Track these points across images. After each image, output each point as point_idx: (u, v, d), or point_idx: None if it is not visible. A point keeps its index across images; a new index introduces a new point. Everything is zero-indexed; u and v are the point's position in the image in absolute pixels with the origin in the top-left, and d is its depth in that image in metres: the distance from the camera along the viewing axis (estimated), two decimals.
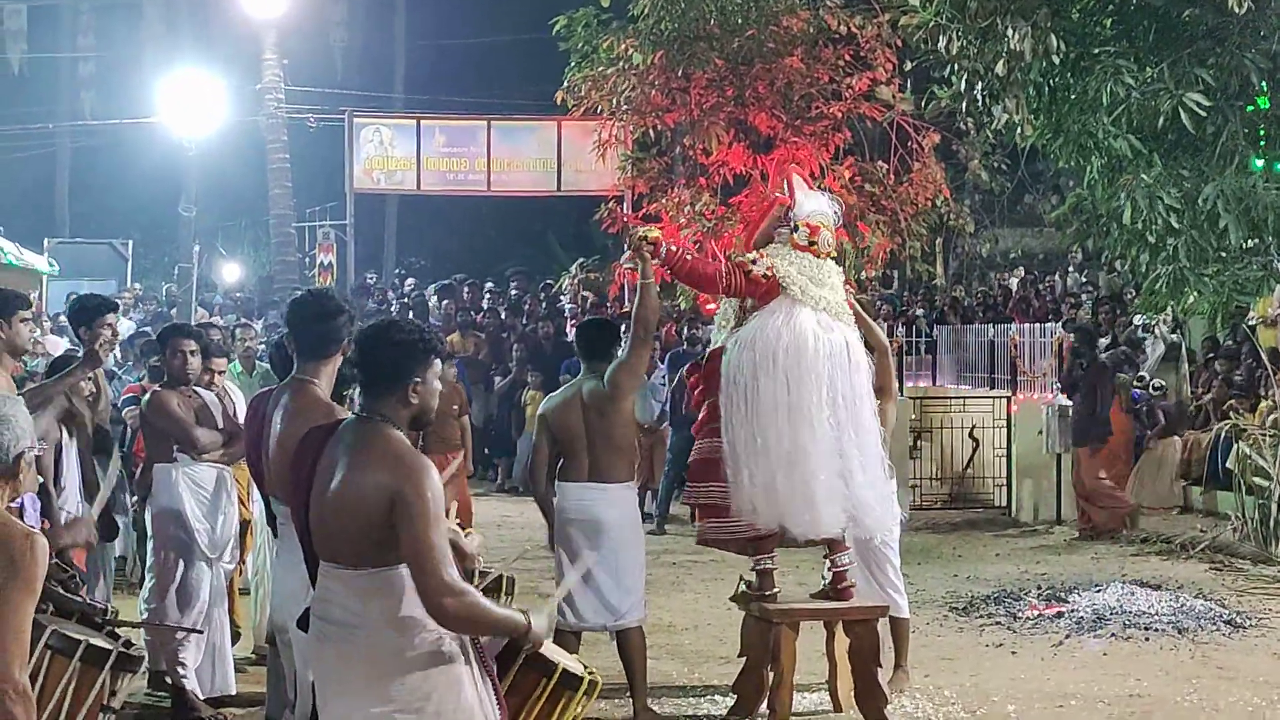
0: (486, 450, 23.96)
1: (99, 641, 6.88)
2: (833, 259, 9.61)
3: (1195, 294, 16.46)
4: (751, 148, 22.70)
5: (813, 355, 9.08)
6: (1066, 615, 13.06)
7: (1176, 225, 15.46)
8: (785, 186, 9.86)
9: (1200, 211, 15.41)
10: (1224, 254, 16.00)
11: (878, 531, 9.67)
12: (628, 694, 9.71)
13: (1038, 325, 21.46)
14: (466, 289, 30.16)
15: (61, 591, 7.18)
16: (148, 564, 10.40)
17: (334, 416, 6.30)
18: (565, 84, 24.19)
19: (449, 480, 6.88)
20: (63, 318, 21.78)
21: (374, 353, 5.68)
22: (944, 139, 23.43)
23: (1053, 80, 16.08)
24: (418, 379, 5.62)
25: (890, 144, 22.72)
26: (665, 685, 10.77)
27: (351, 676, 5.50)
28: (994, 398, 20.10)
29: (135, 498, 11.16)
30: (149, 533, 10.37)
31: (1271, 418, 17.01)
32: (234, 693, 10.24)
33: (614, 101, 23.33)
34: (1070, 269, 30.78)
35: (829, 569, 9.52)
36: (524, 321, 27.02)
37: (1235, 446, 17.25)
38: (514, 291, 30.58)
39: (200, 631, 9.82)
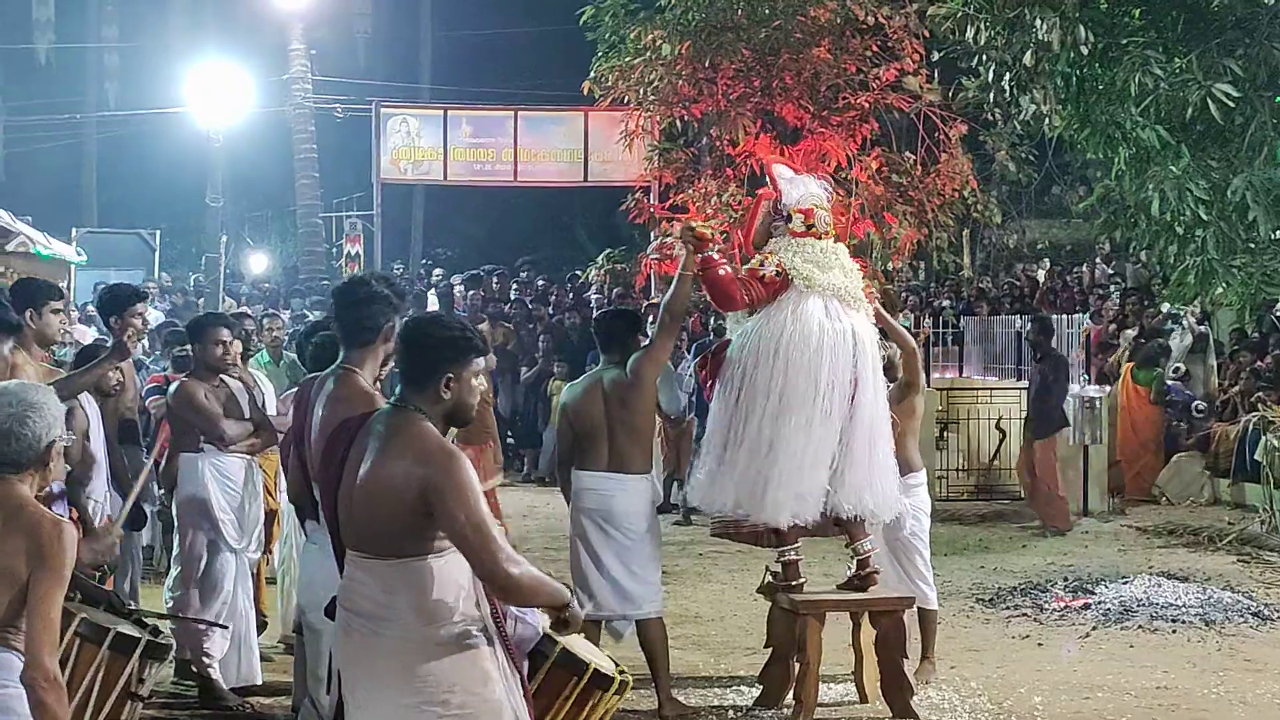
0: (512, 440, 23.96)
1: (127, 629, 6.91)
2: (835, 238, 9.60)
3: (1223, 285, 16.38)
4: (778, 139, 22.67)
5: (816, 348, 9.06)
6: (1093, 607, 13.04)
7: (1205, 216, 15.39)
8: (769, 180, 9.85)
9: (1229, 203, 15.34)
10: (1253, 245, 15.93)
11: (881, 514, 9.58)
12: (652, 685, 9.71)
13: (1065, 316, 21.40)
14: (495, 279, 30.19)
15: (89, 581, 7.22)
16: (174, 553, 10.42)
17: (374, 406, 6.27)
18: (592, 74, 24.19)
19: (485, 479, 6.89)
20: (90, 307, 21.85)
21: (413, 346, 5.66)
22: (971, 130, 23.37)
23: (1081, 71, 16.02)
24: (451, 375, 5.58)
25: (917, 135, 22.67)
26: (691, 676, 10.78)
27: (377, 667, 5.50)
28: (1021, 389, 20.04)
29: (162, 489, 11.15)
30: (175, 522, 10.39)
31: None
32: (260, 682, 10.25)
33: (641, 92, 23.33)
34: (1098, 260, 30.71)
35: (853, 557, 9.52)
36: (550, 312, 27.03)
37: (1263, 439, 17.21)
38: (540, 282, 30.59)
39: (225, 627, 9.82)
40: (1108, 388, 19.27)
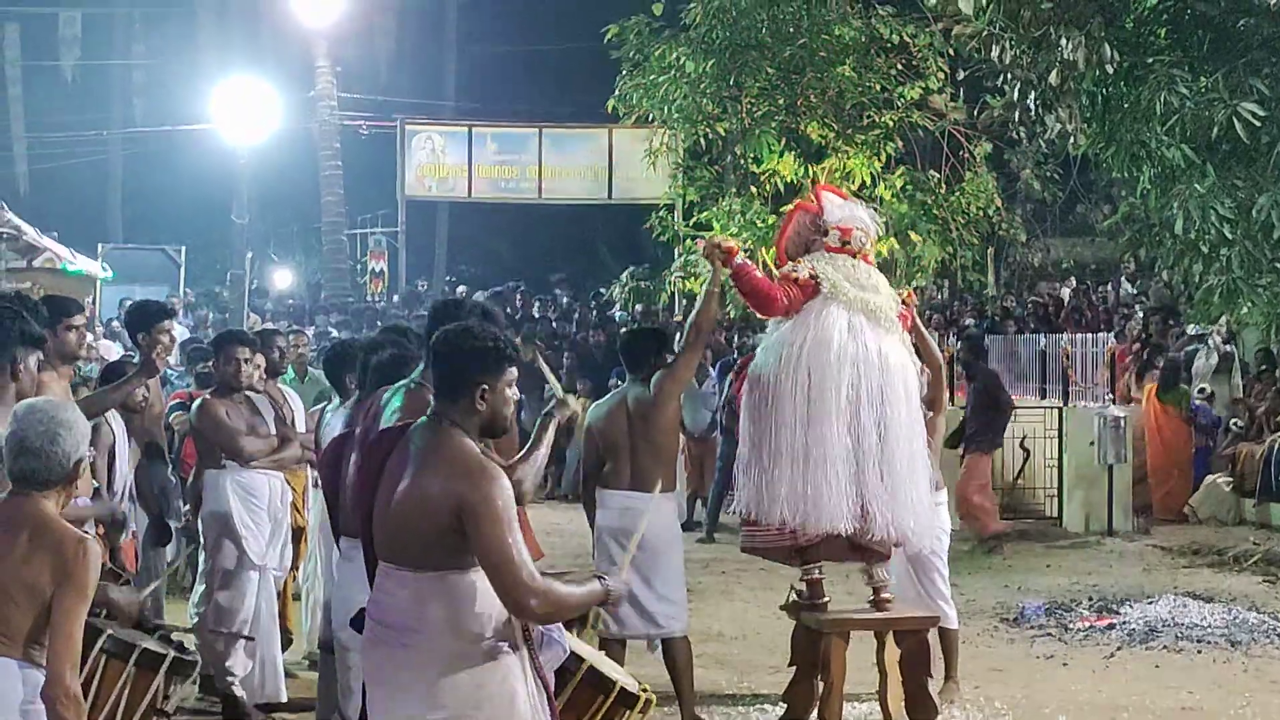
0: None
1: (154, 646, 6.92)
2: (871, 262, 9.54)
3: (1249, 304, 16.37)
4: (803, 156, 22.71)
5: (837, 355, 8.97)
6: (1118, 627, 13.00)
7: (1230, 235, 15.38)
8: (814, 198, 9.81)
9: (1254, 222, 15.33)
10: (1278, 264, 15.91)
11: (918, 541, 9.52)
12: (675, 703, 9.69)
13: (1090, 335, 21.36)
14: (519, 296, 30.25)
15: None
16: (200, 569, 10.43)
17: None
18: (617, 92, 24.26)
19: None
20: (116, 323, 21.94)
21: (446, 358, 5.65)
22: (996, 148, 23.40)
23: (1106, 89, 16.03)
24: (486, 386, 5.56)
25: (942, 153, 22.72)
26: (714, 694, 10.77)
27: (405, 680, 5.48)
28: (1045, 408, 20.00)
29: (187, 505, 11.17)
30: (200, 539, 10.40)
31: None
32: (284, 699, 10.23)
33: (665, 110, 23.39)
34: (1123, 279, 30.66)
35: (868, 583, 9.46)
36: (575, 330, 27.08)
37: None
38: (564, 299, 30.63)
39: (251, 638, 9.82)
40: (1133, 406, 19.22)
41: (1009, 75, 16.16)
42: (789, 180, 23.44)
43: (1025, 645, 12.63)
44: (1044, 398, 20.81)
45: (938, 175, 23.13)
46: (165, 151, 42.42)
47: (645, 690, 6.44)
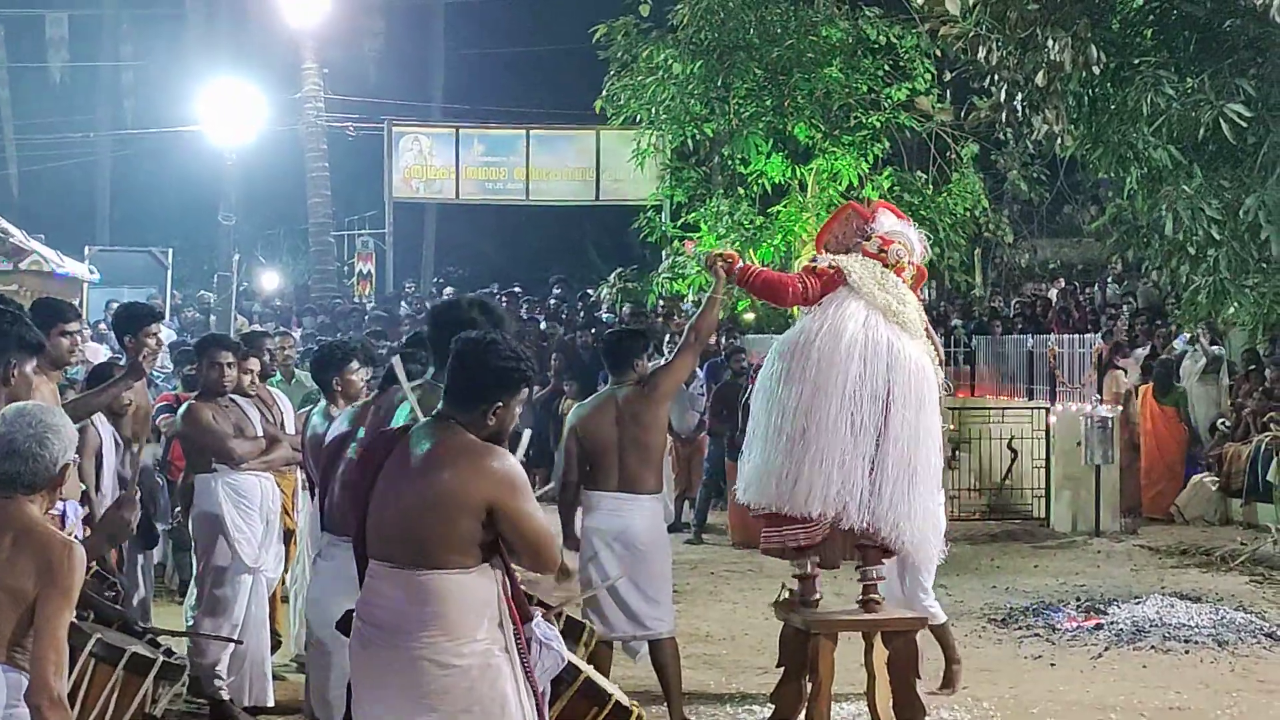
0: (524, 459, 23.91)
1: (143, 650, 6.91)
2: (905, 280, 9.48)
3: (1235, 305, 16.39)
4: (790, 157, 22.72)
5: (846, 345, 8.95)
6: (1106, 627, 13.01)
7: (1217, 236, 15.40)
8: (870, 205, 9.84)
9: (1241, 223, 15.35)
10: (1265, 265, 15.94)
11: (915, 552, 9.48)
12: (664, 703, 9.70)
13: (1077, 336, 21.39)
14: (505, 298, 30.23)
15: (101, 599, 7.22)
16: (193, 573, 10.40)
17: None
18: (604, 93, 24.26)
19: None
20: (103, 325, 21.88)
21: (468, 369, 5.65)
22: (983, 149, 23.42)
23: (1092, 90, 16.05)
24: (501, 403, 5.61)
25: (929, 154, 22.73)
26: (702, 695, 10.76)
27: (392, 681, 5.47)
28: (1032, 408, 20.03)
29: (178, 508, 11.16)
30: (191, 542, 10.38)
31: None
32: (271, 704, 10.21)
33: (653, 111, 23.39)
34: (1110, 280, 30.69)
35: (859, 580, 9.44)
36: (562, 330, 27.06)
37: (1275, 459, 17.17)
38: (552, 300, 30.60)
39: (240, 643, 9.80)
40: (1119, 408, 19.24)
41: (996, 76, 16.17)
42: (776, 181, 23.47)
43: (1013, 646, 12.64)
44: (1031, 398, 20.84)
45: (925, 176, 23.15)
46: (152, 153, 42.32)
47: (636, 706, 6.49)
